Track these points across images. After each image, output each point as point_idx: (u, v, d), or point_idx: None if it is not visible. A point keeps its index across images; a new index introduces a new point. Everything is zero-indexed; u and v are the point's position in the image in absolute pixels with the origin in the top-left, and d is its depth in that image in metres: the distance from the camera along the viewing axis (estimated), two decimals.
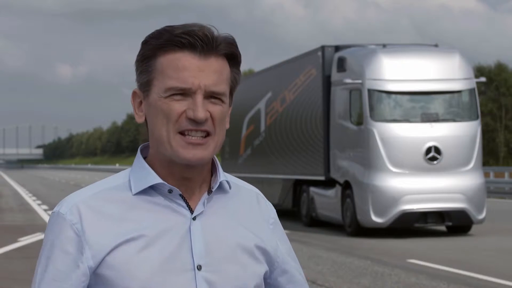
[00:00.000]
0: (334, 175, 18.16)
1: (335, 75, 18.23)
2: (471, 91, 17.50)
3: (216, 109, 1.86)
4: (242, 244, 1.92)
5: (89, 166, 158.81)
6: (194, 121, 1.84)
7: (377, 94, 17.08)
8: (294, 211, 21.41)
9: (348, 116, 17.67)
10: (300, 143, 19.80)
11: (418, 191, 16.75)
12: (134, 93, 1.94)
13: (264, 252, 1.96)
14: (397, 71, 17.17)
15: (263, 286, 1.97)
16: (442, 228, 18.33)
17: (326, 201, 18.68)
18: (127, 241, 1.84)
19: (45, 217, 23.04)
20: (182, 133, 1.85)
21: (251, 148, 23.46)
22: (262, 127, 22.50)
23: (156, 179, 1.88)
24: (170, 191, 1.89)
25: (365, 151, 17.01)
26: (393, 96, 17.16)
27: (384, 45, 18.21)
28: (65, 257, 1.84)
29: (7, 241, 16.49)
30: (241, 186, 2.03)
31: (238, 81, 1.94)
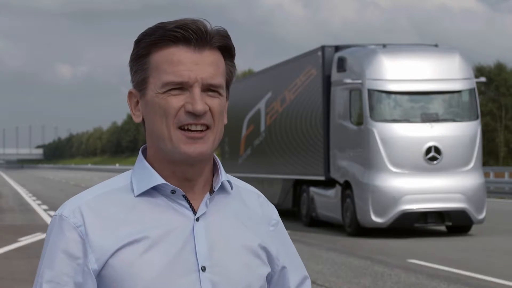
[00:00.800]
0: (334, 175, 18.16)
1: (335, 75, 18.23)
2: (471, 91, 17.50)
3: (214, 101, 1.85)
4: (246, 245, 1.91)
5: (89, 166, 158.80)
6: (193, 115, 1.83)
7: (377, 94, 17.07)
8: (294, 211, 21.40)
9: (348, 116, 17.67)
10: (300, 143, 19.80)
11: (418, 191, 16.75)
12: (130, 93, 1.92)
13: (266, 252, 1.95)
14: (397, 71, 17.17)
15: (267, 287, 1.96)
16: (442, 228, 18.33)
17: (326, 201, 18.68)
18: (130, 243, 1.82)
19: (45, 217, 23.04)
20: (181, 128, 1.83)
21: (251, 148, 23.46)
22: (262, 127, 22.50)
23: (158, 180, 1.87)
24: (173, 191, 1.87)
25: (365, 151, 17.01)
26: (393, 96, 17.16)
27: (384, 45, 18.21)
28: (70, 261, 1.82)
29: (7, 241, 16.49)
30: (242, 187, 2.02)
31: (233, 74, 1.93)
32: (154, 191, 1.88)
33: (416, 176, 16.78)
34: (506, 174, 34.76)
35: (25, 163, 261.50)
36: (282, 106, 21.02)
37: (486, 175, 30.73)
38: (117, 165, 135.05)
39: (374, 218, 16.71)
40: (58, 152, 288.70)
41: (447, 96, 17.33)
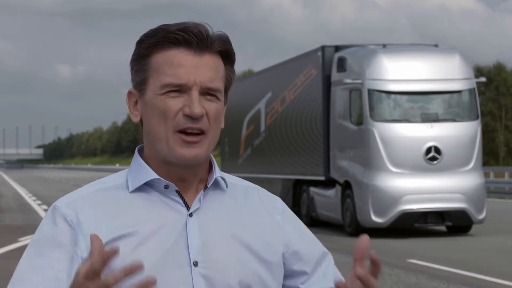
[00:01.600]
0: (334, 175, 18.16)
1: (335, 75, 18.23)
2: (471, 91, 17.50)
3: (212, 106, 1.86)
4: (239, 240, 1.91)
5: (89, 166, 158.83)
6: (191, 118, 1.84)
7: (377, 94, 17.08)
8: (294, 211, 21.31)
9: (348, 116, 17.67)
10: (300, 143, 19.80)
11: (418, 191, 16.75)
12: (129, 93, 1.93)
13: (265, 245, 1.94)
14: (397, 71, 17.17)
15: (266, 282, 1.93)
16: (442, 228, 18.33)
17: (326, 201, 18.68)
18: (122, 236, 1.83)
19: None
20: (179, 131, 1.85)
21: (251, 148, 23.47)
22: (262, 127, 22.50)
23: (151, 175, 1.88)
24: (166, 187, 1.89)
25: (365, 151, 17.01)
26: (393, 96, 17.16)
27: (384, 45, 18.21)
28: (58, 247, 1.84)
29: (7, 241, 16.49)
30: (239, 184, 2.02)
31: (232, 80, 1.94)
32: (148, 187, 1.90)
33: (416, 176, 16.78)
34: (506, 174, 34.77)
35: (25, 163, 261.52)
36: (282, 106, 21.03)
37: (486, 175, 30.72)
38: (117, 165, 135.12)
39: (374, 218, 16.71)
40: (58, 152, 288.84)
41: (447, 96, 17.33)
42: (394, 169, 16.78)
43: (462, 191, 16.91)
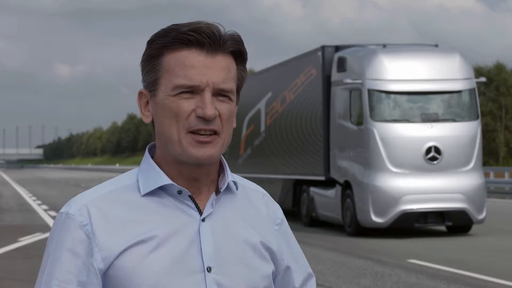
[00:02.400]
0: (334, 175, 18.16)
1: (335, 75, 18.23)
2: (471, 91, 17.50)
3: (224, 107, 1.86)
4: (251, 245, 1.91)
5: (89, 166, 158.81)
6: (204, 119, 1.83)
7: (377, 94, 17.07)
8: (294, 211, 21.40)
9: (348, 116, 17.67)
10: (300, 143, 19.80)
11: (418, 191, 16.75)
12: (140, 93, 1.92)
13: (270, 252, 1.95)
14: (397, 71, 17.17)
15: (273, 287, 1.96)
16: (442, 228, 18.32)
17: (326, 201, 18.68)
18: (137, 243, 1.82)
19: (45, 217, 23.03)
20: (192, 132, 1.84)
21: (251, 148, 23.47)
22: (262, 127, 22.50)
23: (165, 180, 1.87)
24: (179, 192, 1.87)
25: (365, 151, 17.01)
26: (393, 96, 17.16)
27: (384, 45, 18.22)
28: (75, 259, 1.82)
29: (7, 241, 16.48)
30: (247, 187, 2.02)
31: (244, 79, 1.94)
32: (160, 191, 1.88)
33: (416, 176, 16.78)
34: (506, 174, 34.77)
35: (25, 163, 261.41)
36: (282, 106, 21.03)
37: (486, 175, 30.73)
38: (117, 165, 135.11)
39: (374, 218, 16.71)
40: (58, 152, 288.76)
41: (447, 96, 17.33)
42: (394, 169, 16.78)
43: (462, 191, 16.90)
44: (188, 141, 1.83)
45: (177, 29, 1.86)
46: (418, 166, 16.80)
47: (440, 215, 16.97)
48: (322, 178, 18.57)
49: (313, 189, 19.43)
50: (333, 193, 18.27)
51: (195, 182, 1.89)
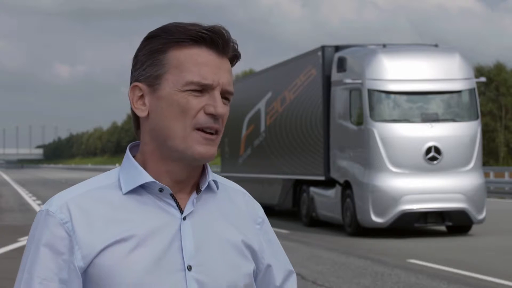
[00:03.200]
0: (334, 175, 18.16)
1: (335, 75, 18.23)
2: (471, 91, 17.50)
3: (225, 108, 1.87)
4: (232, 244, 1.92)
5: (89, 166, 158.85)
6: (213, 117, 1.84)
7: (377, 94, 17.07)
8: (294, 211, 21.40)
9: (348, 116, 17.67)
10: (300, 143, 19.80)
11: (418, 191, 16.74)
12: (134, 87, 1.90)
13: (251, 251, 1.96)
14: (397, 71, 17.17)
15: (254, 285, 1.96)
16: (442, 228, 18.32)
17: (326, 201, 18.68)
18: (117, 241, 1.82)
19: None
20: (198, 129, 1.84)
21: (251, 148, 23.46)
22: (262, 127, 22.50)
23: (146, 178, 1.87)
24: (160, 190, 1.87)
25: (365, 151, 17.01)
26: (393, 96, 17.16)
27: (384, 45, 18.21)
28: (55, 257, 1.81)
29: (7, 241, 16.49)
30: (228, 186, 2.02)
31: None
32: (141, 189, 1.88)
33: (416, 176, 16.77)
34: (506, 174, 34.77)
35: (25, 163, 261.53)
36: (282, 106, 21.03)
37: (486, 175, 30.75)
38: (117, 165, 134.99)
39: (374, 218, 16.71)
40: (58, 152, 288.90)
41: (447, 96, 17.33)
42: (394, 169, 16.78)
43: (462, 191, 16.90)
44: (194, 138, 1.84)
45: (184, 26, 1.86)
46: (418, 166, 16.80)
47: (440, 215, 16.97)
48: (322, 178, 18.57)
49: (313, 189, 19.43)
50: (333, 193, 18.27)
51: (179, 183, 1.89)
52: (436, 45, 18.65)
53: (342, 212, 17.81)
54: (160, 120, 1.86)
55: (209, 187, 1.94)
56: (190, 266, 1.85)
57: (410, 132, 16.93)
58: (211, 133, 1.85)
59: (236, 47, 1.91)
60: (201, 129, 1.84)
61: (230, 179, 2.06)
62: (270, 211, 22.17)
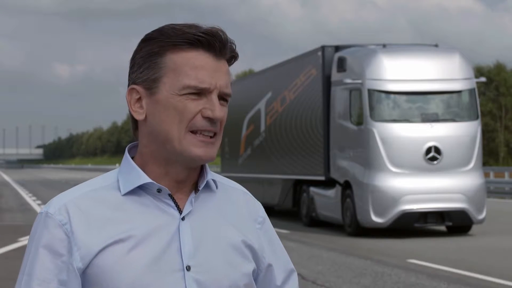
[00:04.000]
0: (334, 175, 18.16)
1: (335, 75, 18.24)
2: (471, 91, 17.50)
3: (223, 111, 1.87)
4: (231, 243, 1.91)
5: (89, 166, 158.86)
6: (210, 121, 1.84)
7: (377, 94, 17.07)
8: (294, 211, 21.40)
9: (348, 116, 17.67)
10: (300, 143, 19.80)
11: (418, 191, 16.74)
12: (132, 89, 1.89)
13: (251, 250, 1.95)
14: (397, 71, 17.17)
15: (254, 285, 1.96)
16: (442, 228, 18.32)
17: (326, 201, 18.68)
18: (115, 242, 1.82)
19: None
20: (193, 132, 1.84)
21: (251, 148, 23.46)
22: (262, 127, 22.50)
23: (145, 179, 1.87)
24: (159, 190, 1.87)
25: (365, 151, 17.01)
26: (393, 96, 17.16)
27: (384, 45, 18.21)
28: (55, 258, 1.82)
29: (7, 241, 16.49)
30: (228, 185, 2.02)
31: None
32: (140, 190, 1.88)
33: (416, 176, 16.77)
34: (506, 174, 34.76)
35: (25, 163, 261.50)
36: (282, 106, 21.03)
37: (486, 175, 30.74)
38: (117, 165, 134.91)
39: (374, 218, 16.71)
40: (58, 152, 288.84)
41: (447, 96, 17.33)
42: (394, 169, 16.78)
43: (462, 191, 16.90)
44: (189, 141, 1.84)
45: (181, 29, 1.85)
46: (418, 166, 16.80)
47: (440, 215, 16.97)
48: (322, 178, 18.57)
49: (313, 189, 19.43)
50: (333, 193, 18.27)
51: (178, 184, 1.89)
52: (436, 45, 18.65)
53: (342, 212, 17.81)
54: (158, 124, 1.86)
55: (208, 187, 1.94)
56: (189, 266, 1.85)
57: (410, 132, 16.93)
58: (210, 136, 1.85)
59: (234, 47, 1.90)
60: (197, 132, 1.84)
61: (230, 179, 2.06)
62: (270, 211, 22.17)
